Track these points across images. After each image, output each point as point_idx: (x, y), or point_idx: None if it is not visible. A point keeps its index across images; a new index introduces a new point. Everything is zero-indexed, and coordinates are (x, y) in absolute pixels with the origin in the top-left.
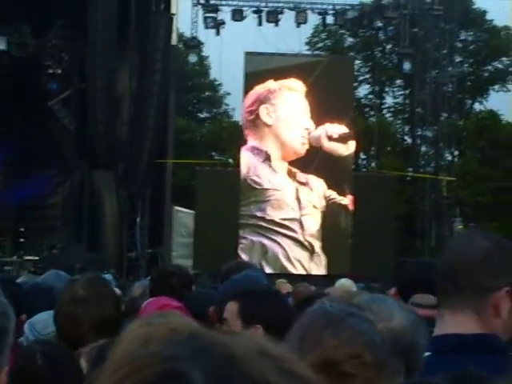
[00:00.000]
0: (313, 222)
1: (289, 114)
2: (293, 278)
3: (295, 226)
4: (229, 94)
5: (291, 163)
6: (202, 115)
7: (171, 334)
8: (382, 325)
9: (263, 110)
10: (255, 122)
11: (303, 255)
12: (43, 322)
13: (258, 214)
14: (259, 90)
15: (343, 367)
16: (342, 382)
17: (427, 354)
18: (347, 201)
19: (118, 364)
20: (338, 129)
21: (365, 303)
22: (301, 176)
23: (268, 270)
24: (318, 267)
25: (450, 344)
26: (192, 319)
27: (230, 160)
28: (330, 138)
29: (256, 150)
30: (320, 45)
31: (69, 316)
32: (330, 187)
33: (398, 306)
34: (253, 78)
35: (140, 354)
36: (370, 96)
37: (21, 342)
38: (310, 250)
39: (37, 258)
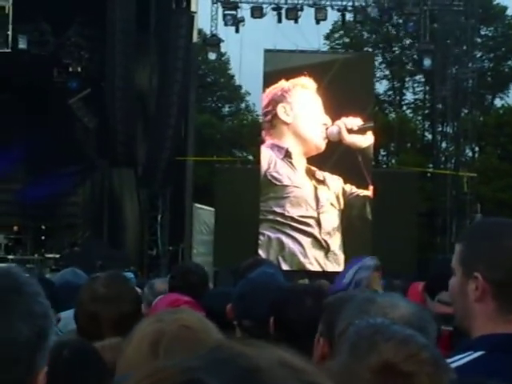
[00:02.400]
0: (330, 221)
1: (306, 111)
2: (311, 275)
3: (313, 223)
4: (249, 93)
5: (309, 160)
6: (222, 112)
7: (182, 330)
8: (390, 314)
9: (281, 109)
10: (273, 122)
11: (319, 253)
12: (64, 320)
13: (277, 209)
14: (273, 90)
15: (403, 367)
16: (404, 382)
17: (480, 352)
18: (369, 192)
19: (138, 376)
20: (356, 121)
21: (370, 296)
22: (319, 174)
23: (285, 267)
24: (333, 265)
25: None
26: (203, 315)
27: (250, 157)
28: (350, 131)
29: (276, 147)
30: (339, 41)
31: (90, 314)
32: (349, 181)
33: (403, 298)
34: (272, 76)
35: (161, 365)
36: (390, 92)
37: None
38: (326, 249)
39: (58, 255)
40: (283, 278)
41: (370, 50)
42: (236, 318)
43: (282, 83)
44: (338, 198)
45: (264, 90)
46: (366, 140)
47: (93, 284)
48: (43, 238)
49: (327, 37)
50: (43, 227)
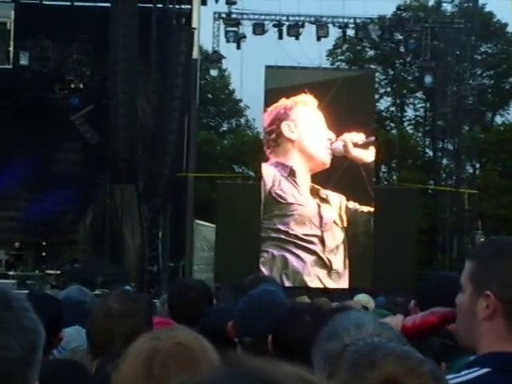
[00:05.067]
0: (333, 239)
1: (311, 127)
2: (313, 292)
3: (316, 242)
4: (248, 107)
5: (312, 177)
6: (223, 128)
7: (177, 347)
8: (356, 335)
9: (285, 127)
10: (277, 140)
11: (322, 272)
12: (67, 338)
13: (282, 227)
14: (275, 109)
15: (404, 381)
16: None
17: (486, 369)
18: (373, 208)
19: None
20: (361, 136)
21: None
22: (322, 193)
23: (288, 284)
24: (336, 284)
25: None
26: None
27: (251, 173)
28: (356, 145)
29: (280, 166)
30: (341, 57)
31: (103, 330)
32: (352, 198)
33: (370, 315)
34: (273, 94)
35: (183, 382)
36: (392, 109)
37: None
38: (329, 267)
39: (58, 271)
40: (285, 296)
41: (373, 66)
42: (237, 335)
43: (284, 101)
44: (340, 215)
45: (265, 108)
46: (370, 155)
47: (106, 300)
48: (44, 254)
49: (330, 53)
50: (44, 243)
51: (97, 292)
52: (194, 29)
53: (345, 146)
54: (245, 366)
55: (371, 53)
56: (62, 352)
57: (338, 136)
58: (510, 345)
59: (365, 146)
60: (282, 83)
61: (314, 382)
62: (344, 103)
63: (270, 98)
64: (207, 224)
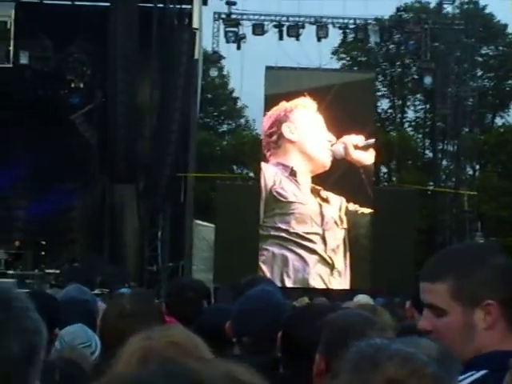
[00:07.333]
0: (334, 238)
1: (311, 129)
2: (311, 293)
3: (318, 240)
4: (247, 107)
5: (312, 179)
6: (223, 128)
7: (170, 346)
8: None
9: (285, 129)
10: (278, 142)
11: (324, 270)
12: (72, 335)
13: (282, 226)
14: (275, 112)
15: (407, 383)
16: None
17: (483, 372)
18: (371, 210)
19: None
20: (360, 138)
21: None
22: (323, 193)
23: (288, 283)
24: (338, 283)
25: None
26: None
27: (251, 174)
28: (356, 147)
29: (281, 166)
30: (346, 55)
31: (115, 330)
32: (352, 200)
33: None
34: (274, 98)
35: (111, 378)
36: (391, 110)
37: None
38: (331, 266)
39: (58, 271)
40: (282, 296)
41: (374, 64)
42: (235, 335)
43: (284, 104)
44: (340, 216)
45: (265, 112)
46: (370, 157)
47: (120, 301)
48: (43, 253)
49: (335, 51)
50: (44, 243)
51: (96, 291)
52: (196, 29)
53: (345, 149)
54: (173, 364)
55: (376, 50)
56: (63, 344)
57: (337, 138)
58: (507, 343)
59: (365, 148)
60: (282, 86)
61: (243, 381)
62: (344, 106)
63: (270, 103)
64: (206, 224)
